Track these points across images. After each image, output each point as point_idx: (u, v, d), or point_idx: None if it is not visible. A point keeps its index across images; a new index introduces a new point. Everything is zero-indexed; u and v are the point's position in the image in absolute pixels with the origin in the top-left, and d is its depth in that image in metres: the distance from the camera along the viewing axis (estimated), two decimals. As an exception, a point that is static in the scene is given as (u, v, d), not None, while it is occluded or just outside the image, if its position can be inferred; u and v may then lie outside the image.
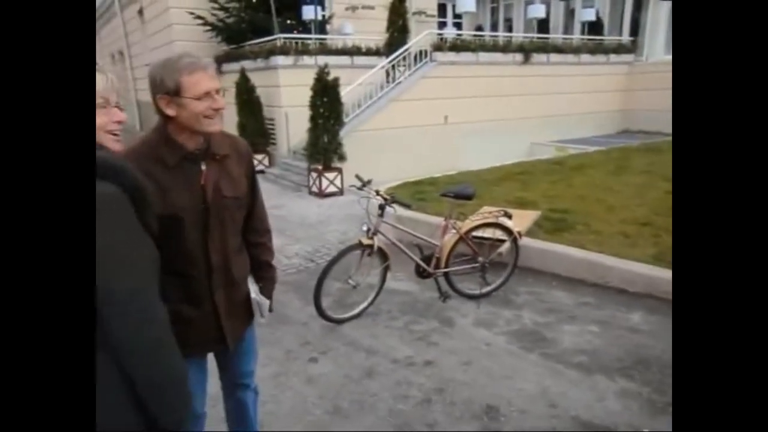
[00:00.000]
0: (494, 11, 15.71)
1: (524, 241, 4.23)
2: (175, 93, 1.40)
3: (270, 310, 1.85)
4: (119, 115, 1.23)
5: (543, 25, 13.38)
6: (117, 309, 1.10)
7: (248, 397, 1.98)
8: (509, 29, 14.72)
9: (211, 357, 1.83)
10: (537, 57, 10.44)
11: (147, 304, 1.15)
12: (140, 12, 14.04)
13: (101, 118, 1.17)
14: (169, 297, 1.52)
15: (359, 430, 2.46)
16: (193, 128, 1.46)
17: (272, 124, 9.55)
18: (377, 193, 3.55)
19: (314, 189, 7.73)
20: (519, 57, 10.30)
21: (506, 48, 10.26)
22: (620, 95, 12.14)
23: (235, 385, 1.94)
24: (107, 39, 19.83)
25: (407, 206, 3.74)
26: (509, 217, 3.82)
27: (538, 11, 11.92)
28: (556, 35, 12.40)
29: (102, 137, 1.19)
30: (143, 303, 1.14)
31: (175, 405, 1.23)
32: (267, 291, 1.86)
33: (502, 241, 3.90)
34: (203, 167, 1.53)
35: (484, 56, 9.85)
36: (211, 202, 1.53)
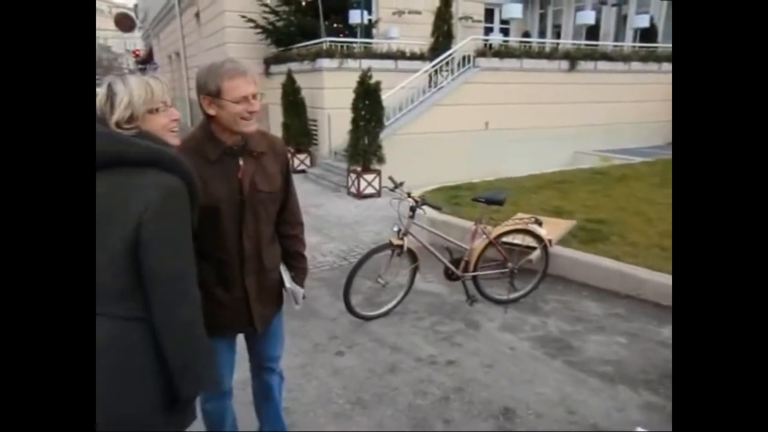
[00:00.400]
0: (543, 17, 15.49)
1: (556, 249, 4.21)
2: (216, 95, 1.55)
3: (303, 297, 1.97)
4: (175, 114, 1.39)
5: (593, 31, 13.11)
6: (162, 289, 1.28)
7: (273, 380, 2.11)
8: (557, 36, 14.49)
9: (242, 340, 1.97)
10: (584, 64, 10.24)
11: (187, 287, 1.32)
12: (197, 15, 14.70)
13: (162, 119, 1.34)
14: (205, 280, 1.70)
15: (378, 422, 2.55)
16: (231, 128, 1.60)
17: (315, 125, 9.80)
18: (408, 195, 3.64)
19: (353, 190, 7.89)
20: (565, 64, 10.15)
21: (552, 55, 10.13)
22: (671, 105, 11.70)
23: (262, 367, 2.07)
24: (165, 41, 20.82)
25: (437, 208, 3.81)
26: (540, 224, 3.82)
27: (587, 17, 11.70)
28: (606, 42, 12.12)
29: (164, 135, 1.36)
30: (185, 285, 1.31)
31: (201, 378, 1.39)
32: (299, 280, 1.97)
33: (533, 248, 3.91)
34: (241, 162, 1.66)
35: (528, 63, 9.77)
36: (246, 195, 1.67)
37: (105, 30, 59.18)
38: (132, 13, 27.96)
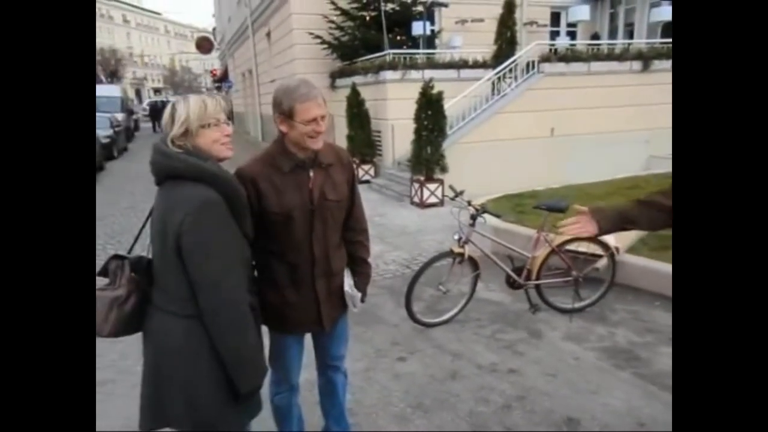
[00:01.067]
0: (613, 17, 14.87)
1: (625, 257, 4.06)
2: (289, 116, 1.71)
3: (362, 301, 2.08)
4: (227, 129, 1.53)
5: (670, 29, 12.42)
6: (202, 294, 1.41)
7: (338, 379, 2.24)
8: (630, 35, 13.85)
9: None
10: (658, 64, 9.73)
11: (230, 289, 1.44)
12: (268, 35, 15.51)
13: (213, 134, 1.49)
14: (278, 282, 1.86)
15: (438, 425, 2.60)
16: (300, 144, 1.77)
17: (379, 136, 10.00)
18: (469, 203, 3.67)
19: (416, 199, 7.98)
20: (637, 65, 9.70)
21: (622, 56, 9.72)
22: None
23: (327, 365, 2.20)
24: (239, 60, 22.07)
25: (497, 216, 3.82)
26: (606, 231, 3.71)
27: (663, 14, 11.11)
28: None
29: (216, 148, 1.50)
30: (222, 291, 1.42)
31: (250, 375, 1.52)
32: (361, 285, 2.08)
33: (599, 256, 3.80)
34: (311, 174, 1.82)
35: (596, 65, 9.43)
36: (316, 203, 1.81)
37: (187, 53, 63.77)
38: (211, 36, 29.94)
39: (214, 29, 31.92)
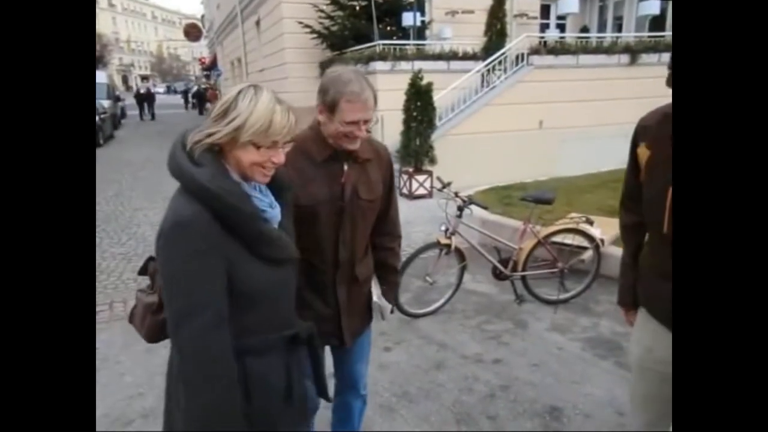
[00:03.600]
0: (602, 10, 14.92)
1: (611, 249, 4.11)
2: (330, 109, 1.52)
3: (391, 312, 1.91)
4: (280, 157, 1.18)
5: (658, 22, 12.48)
6: (171, 330, 1.10)
7: (355, 404, 2.02)
8: (619, 29, 13.91)
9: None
10: (646, 57, 9.79)
11: (198, 334, 1.08)
12: (257, 23, 15.33)
13: (260, 157, 1.15)
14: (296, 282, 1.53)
15: (423, 415, 2.63)
16: (332, 139, 1.57)
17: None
18: (456, 194, 3.69)
19: (404, 191, 7.98)
20: (625, 58, 9.75)
21: (611, 49, 9.76)
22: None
23: (346, 386, 1.99)
24: (228, 48, 21.81)
25: (484, 208, 3.84)
26: (591, 223, 3.75)
27: (651, 8, 11.17)
28: (671, 33, 11.53)
29: (251, 171, 1.16)
30: (194, 331, 1.07)
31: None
32: (390, 294, 1.90)
33: (584, 248, 3.84)
34: (345, 168, 1.62)
35: (585, 58, 9.46)
36: (347, 200, 1.62)
37: (175, 40, 62.83)
38: (200, 24, 29.53)
39: (202, 16, 31.53)
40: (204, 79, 33.88)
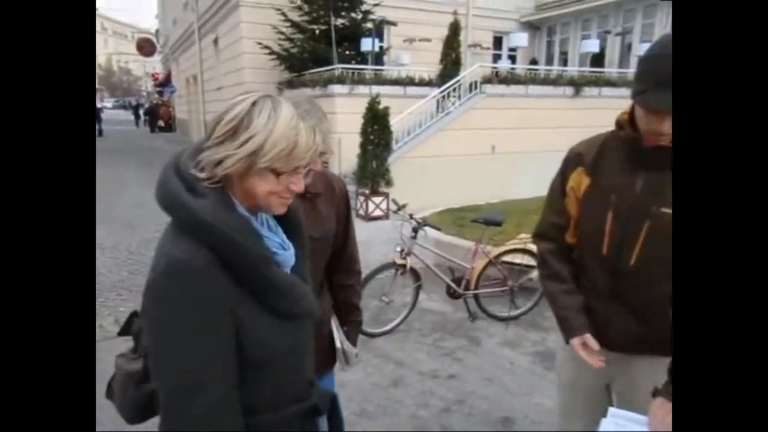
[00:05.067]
0: (550, 45, 15.84)
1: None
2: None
3: (356, 356, 1.75)
4: (299, 184, 0.97)
5: (599, 59, 13.40)
6: (167, 409, 0.90)
7: None
8: (564, 63, 14.79)
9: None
10: (588, 90, 10.48)
11: (205, 413, 0.87)
12: (215, 41, 15.27)
13: (278, 186, 0.94)
14: None
15: (382, 430, 2.70)
16: None
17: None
18: (411, 216, 3.84)
19: (361, 212, 8.10)
20: (570, 90, 10.39)
21: (557, 81, 10.39)
22: (677, 130, 11.89)
23: None
24: (184, 65, 21.51)
25: (437, 229, 4.01)
26: (539, 244, 3.98)
27: (591, 46, 12.01)
28: (611, 69, 12.38)
29: (268, 201, 0.95)
30: (200, 410, 0.87)
31: None
32: (352, 335, 1.76)
33: (532, 267, 4.06)
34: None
35: (534, 89, 10.02)
36: None
37: (126, 54, 61.05)
38: (153, 39, 28.96)
39: (157, 31, 30.94)
40: (157, 95, 33.10)
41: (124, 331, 1.14)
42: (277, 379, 1.00)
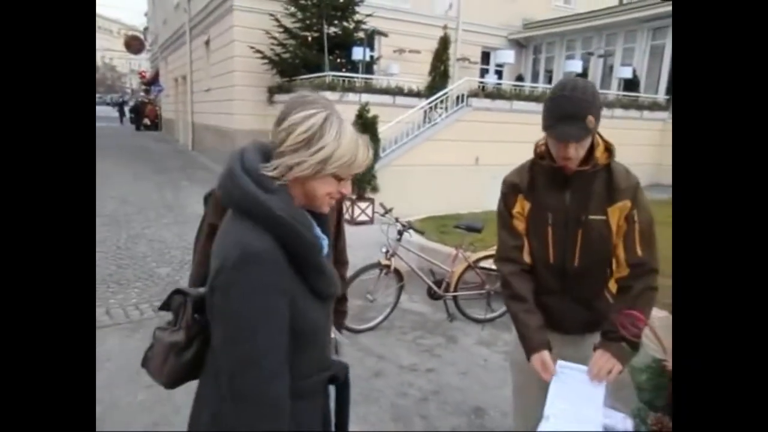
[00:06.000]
0: (536, 62, 16.33)
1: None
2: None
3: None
4: (348, 188, 1.16)
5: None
6: (227, 376, 1.01)
7: None
8: (549, 80, 15.27)
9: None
10: (570, 108, 10.89)
11: (262, 382, 1.00)
12: (207, 43, 15.36)
13: (334, 187, 1.11)
14: None
15: (363, 416, 2.88)
16: None
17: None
18: (396, 220, 4.06)
19: (347, 216, 8.29)
20: (553, 107, 10.78)
21: (540, 98, 10.76)
22: (654, 149, 12.37)
23: None
24: (173, 65, 21.49)
25: (421, 233, 4.24)
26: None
27: (575, 66, 12.49)
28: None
29: (323, 201, 1.13)
30: (258, 378, 1.00)
31: None
32: (339, 324, 1.86)
33: (509, 272, 4.31)
34: None
35: (518, 104, 10.38)
36: None
37: (111, 50, 60.34)
38: (142, 36, 28.82)
39: (145, 29, 30.80)
40: (143, 94, 32.90)
41: (164, 307, 1.27)
42: (314, 351, 1.15)
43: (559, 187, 1.66)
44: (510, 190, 1.76)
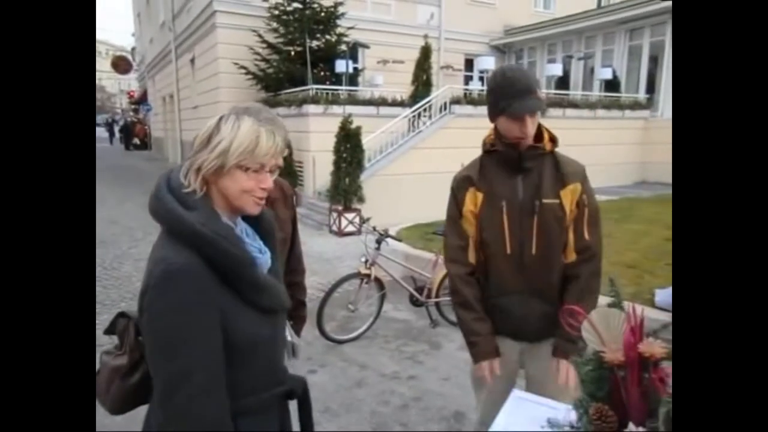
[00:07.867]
0: (518, 67, 16.48)
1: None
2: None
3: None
4: (267, 182, 1.11)
5: (564, 82, 14.07)
6: (161, 397, 1.00)
7: None
8: (532, 84, 15.42)
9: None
10: (553, 111, 11.00)
11: (194, 399, 0.99)
12: (192, 61, 15.46)
13: (249, 182, 1.08)
14: None
15: (344, 425, 2.90)
16: None
17: (301, 167, 10.32)
18: (374, 228, 4.10)
19: (334, 228, 8.32)
20: (536, 111, 10.90)
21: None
22: (637, 148, 12.51)
23: None
24: (160, 84, 21.58)
25: (398, 240, 4.28)
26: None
27: (555, 70, 12.66)
28: (575, 92, 13.03)
29: (244, 201, 1.10)
30: (189, 396, 0.98)
31: None
32: (297, 329, 1.93)
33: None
34: None
35: (501, 110, 10.48)
36: None
37: (101, 71, 60.43)
38: (129, 57, 28.91)
39: (133, 49, 30.90)
40: (132, 113, 32.95)
41: (109, 330, 1.26)
42: (257, 366, 1.12)
43: (512, 173, 1.68)
44: (461, 185, 1.77)
